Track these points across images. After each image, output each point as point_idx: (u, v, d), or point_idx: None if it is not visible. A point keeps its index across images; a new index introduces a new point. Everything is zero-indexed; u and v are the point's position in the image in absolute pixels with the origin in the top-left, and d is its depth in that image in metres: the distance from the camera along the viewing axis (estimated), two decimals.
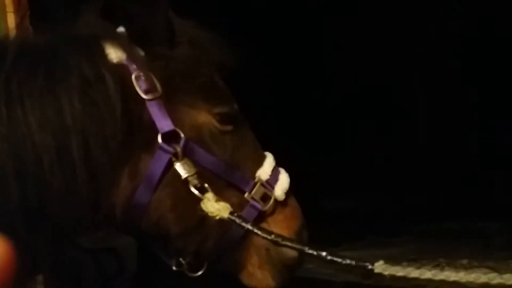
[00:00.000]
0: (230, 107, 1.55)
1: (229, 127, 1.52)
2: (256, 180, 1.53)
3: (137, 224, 1.46)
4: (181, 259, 1.52)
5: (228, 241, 1.49)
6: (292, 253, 1.50)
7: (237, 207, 1.47)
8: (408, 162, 6.02)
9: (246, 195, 1.51)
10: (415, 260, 3.53)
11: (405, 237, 4.63)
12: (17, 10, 2.13)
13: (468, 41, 5.83)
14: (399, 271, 1.25)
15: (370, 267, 1.29)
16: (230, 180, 1.50)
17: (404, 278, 1.25)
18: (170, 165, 1.42)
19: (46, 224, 1.33)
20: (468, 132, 5.91)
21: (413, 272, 1.23)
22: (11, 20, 2.13)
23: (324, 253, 1.35)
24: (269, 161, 1.57)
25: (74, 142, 1.33)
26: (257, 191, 1.52)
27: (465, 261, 3.69)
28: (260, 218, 1.52)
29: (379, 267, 1.28)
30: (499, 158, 5.46)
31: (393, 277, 1.25)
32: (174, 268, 1.53)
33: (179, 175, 1.42)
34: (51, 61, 1.39)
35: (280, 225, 1.54)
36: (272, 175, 1.55)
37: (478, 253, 3.85)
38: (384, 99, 6.17)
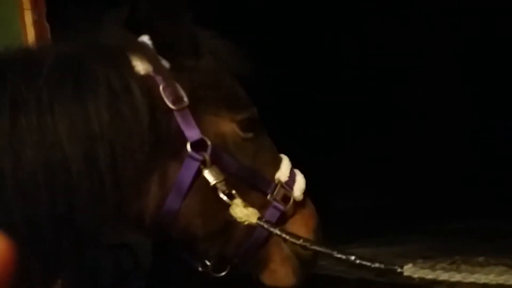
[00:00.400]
0: (251, 114, 1.61)
1: (250, 134, 1.59)
2: (276, 182, 1.60)
3: (166, 230, 1.52)
4: (206, 261, 1.58)
5: (252, 243, 1.55)
6: (312, 245, 1.53)
7: (260, 209, 1.52)
8: (421, 159, 6.00)
9: (268, 197, 1.57)
10: (430, 258, 3.51)
11: (419, 235, 4.61)
12: (34, 7, 2.16)
13: (468, 40, 5.79)
14: (428, 274, 1.27)
15: (399, 270, 1.33)
16: (253, 184, 1.57)
17: (433, 281, 1.26)
18: (199, 173, 1.47)
19: (72, 230, 1.38)
20: (480, 128, 5.86)
21: (443, 275, 1.25)
22: (28, 18, 2.16)
23: (353, 257, 1.38)
24: (286, 163, 1.65)
25: (101, 151, 1.37)
26: (278, 192, 1.59)
27: (481, 259, 3.66)
28: (281, 218, 1.58)
29: (408, 270, 1.31)
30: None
31: (422, 280, 1.27)
32: (200, 269, 1.58)
33: (207, 182, 1.48)
34: (79, 71, 1.43)
35: (299, 225, 1.62)
36: (290, 177, 1.62)
37: (494, 250, 3.82)
38: (392, 97, 6.15)
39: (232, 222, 1.50)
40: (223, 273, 1.56)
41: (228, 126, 1.57)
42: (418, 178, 5.78)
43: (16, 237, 1.28)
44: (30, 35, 2.11)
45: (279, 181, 1.62)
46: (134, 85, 1.44)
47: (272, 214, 1.56)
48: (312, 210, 1.68)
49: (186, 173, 1.47)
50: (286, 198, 1.61)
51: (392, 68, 5.99)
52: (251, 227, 1.50)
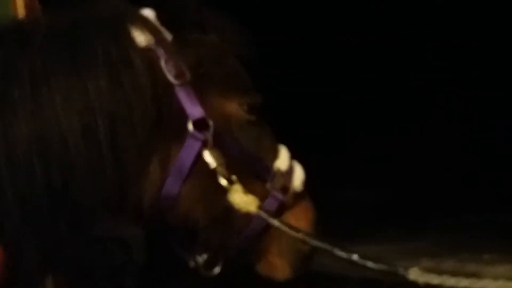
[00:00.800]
0: (257, 96, 1.53)
1: (254, 117, 1.50)
2: (275, 170, 1.51)
3: (165, 216, 1.44)
4: (197, 257, 1.51)
5: (250, 233, 1.47)
6: (310, 238, 1.49)
7: (259, 198, 1.44)
8: (427, 154, 5.97)
9: (267, 185, 1.48)
10: (436, 255, 3.46)
11: (425, 231, 4.56)
12: None
13: (468, 40, 5.74)
14: (434, 278, 1.20)
15: (403, 273, 1.26)
16: (254, 170, 1.49)
17: (440, 287, 1.19)
18: (199, 154, 1.39)
19: (69, 208, 1.31)
20: (484, 125, 5.84)
21: (449, 281, 1.18)
22: (20, 1, 2.10)
23: (355, 256, 1.31)
24: (285, 153, 1.55)
25: (100, 124, 1.30)
26: (277, 181, 1.50)
27: (487, 256, 3.61)
28: (280, 209, 1.50)
29: (414, 274, 1.24)
30: None
31: (427, 285, 1.20)
32: (191, 266, 1.51)
33: (207, 165, 1.39)
34: (75, 41, 1.36)
35: (298, 217, 1.53)
36: (289, 166, 1.53)
37: (500, 247, 3.77)
38: (395, 95, 6.13)
39: (231, 210, 1.43)
40: (215, 270, 1.49)
41: (233, 107, 1.48)
42: (424, 174, 5.74)
43: (10, 218, 1.26)
44: (21, 16, 2.06)
45: (279, 170, 1.52)
46: (134, 56, 1.36)
47: (270, 204, 1.48)
48: (310, 203, 1.59)
49: (187, 154, 1.39)
50: (285, 188, 1.51)
51: (392, 66, 5.98)
52: (250, 217, 1.43)
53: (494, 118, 5.75)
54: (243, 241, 1.49)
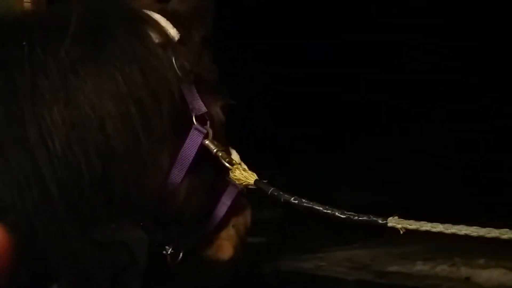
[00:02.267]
0: (229, 100, 1.66)
1: (225, 119, 1.65)
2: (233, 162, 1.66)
3: (165, 203, 1.52)
4: (165, 249, 1.62)
5: (214, 221, 1.62)
6: (249, 223, 1.72)
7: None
8: (423, 159, 5.99)
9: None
10: (431, 259, 3.49)
11: (419, 236, 4.58)
12: None
13: (468, 39, 5.77)
14: (411, 224, 1.37)
15: (382, 222, 1.41)
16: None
17: (416, 231, 1.35)
18: (202, 145, 1.51)
19: (104, 195, 1.33)
20: (482, 128, 5.85)
21: (425, 225, 1.35)
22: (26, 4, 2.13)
23: (337, 212, 1.48)
24: (233, 149, 1.72)
25: (134, 110, 1.34)
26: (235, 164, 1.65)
27: (481, 261, 3.64)
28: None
29: (392, 221, 1.39)
30: None
31: (406, 230, 1.36)
32: (160, 256, 1.63)
33: (209, 152, 1.52)
34: (100, 36, 1.39)
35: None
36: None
37: (495, 252, 3.80)
38: (395, 96, 6.14)
39: (213, 203, 1.58)
40: (177, 261, 1.61)
41: (216, 109, 1.62)
42: (419, 179, 5.76)
43: (54, 211, 1.26)
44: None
45: (235, 162, 1.66)
46: (158, 50, 1.44)
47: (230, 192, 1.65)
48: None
49: (191, 146, 1.50)
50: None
51: (393, 64, 5.99)
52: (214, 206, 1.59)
53: (492, 124, 5.77)
54: (208, 230, 1.63)
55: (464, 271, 3.69)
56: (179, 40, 1.53)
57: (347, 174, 5.69)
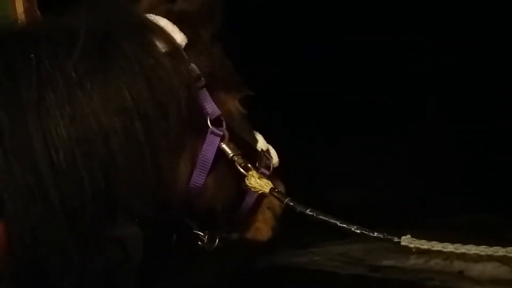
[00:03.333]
0: (247, 91, 1.69)
1: (245, 111, 1.69)
2: (260, 152, 1.73)
3: (191, 204, 1.57)
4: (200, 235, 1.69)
5: (248, 207, 1.69)
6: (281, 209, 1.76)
7: None
8: (418, 153, 6.00)
9: (257, 164, 1.69)
10: (424, 253, 3.50)
11: (414, 230, 4.60)
12: None
13: (468, 38, 5.79)
14: (424, 244, 1.43)
15: (396, 240, 1.48)
16: (250, 156, 1.66)
17: (428, 251, 1.41)
18: (219, 148, 1.55)
19: (107, 207, 1.35)
20: (477, 121, 5.87)
21: (436, 245, 1.40)
22: (19, 5, 2.13)
23: (354, 227, 1.51)
24: (259, 135, 1.78)
25: (139, 124, 1.35)
26: (262, 160, 1.72)
27: (475, 254, 3.65)
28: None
29: (405, 240, 1.46)
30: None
31: (418, 250, 1.42)
32: (199, 243, 1.70)
33: (226, 156, 1.56)
34: (106, 47, 1.39)
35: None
36: (266, 147, 1.77)
37: (488, 246, 3.81)
38: (392, 92, 6.15)
39: (243, 191, 1.63)
40: (215, 245, 1.68)
41: (233, 104, 1.65)
42: (412, 174, 5.78)
43: (55, 223, 1.27)
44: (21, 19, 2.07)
45: (262, 150, 1.74)
46: (164, 60, 1.44)
47: None
48: (281, 178, 1.83)
49: (209, 149, 1.53)
50: (267, 166, 1.74)
51: (393, 62, 5.99)
52: (244, 195, 1.64)
53: (489, 121, 5.78)
54: (240, 215, 1.70)
55: (457, 265, 3.71)
56: (187, 44, 1.54)
57: (344, 169, 5.70)
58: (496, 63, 5.56)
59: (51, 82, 1.31)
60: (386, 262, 3.72)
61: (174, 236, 1.68)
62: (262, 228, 1.77)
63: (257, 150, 1.72)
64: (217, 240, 1.68)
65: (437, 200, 5.22)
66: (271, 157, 1.77)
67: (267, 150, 1.77)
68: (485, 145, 5.69)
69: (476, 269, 3.72)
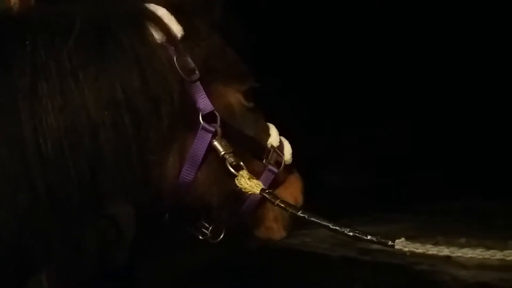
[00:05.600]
0: (253, 82, 1.65)
1: (252, 104, 1.64)
2: (269, 147, 1.68)
3: (181, 200, 1.55)
4: (203, 229, 1.66)
5: (251, 204, 1.64)
6: (300, 199, 1.72)
7: (258, 174, 1.61)
8: (410, 138, 6.04)
9: (264, 161, 1.65)
10: (413, 238, 3.54)
11: (406, 215, 4.65)
12: None
13: (468, 38, 5.78)
14: (418, 248, 1.34)
15: (390, 243, 1.39)
16: (253, 152, 1.64)
17: (423, 255, 1.33)
18: (210, 144, 1.51)
19: (93, 197, 1.35)
20: (472, 110, 5.89)
21: (432, 249, 1.33)
22: None
23: (347, 230, 1.46)
24: (274, 130, 1.73)
25: (129, 117, 1.35)
26: (271, 157, 1.67)
27: (463, 240, 3.71)
28: (275, 181, 1.67)
29: (399, 244, 1.38)
30: (502, 137, 5.45)
31: (412, 254, 1.35)
32: (200, 237, 1.67)
33: (217, 153, 1.52)
34: (101, 37, 1.38)
35: (289, 187, 1.73)
36: (280, 142, 1.71)
37: (477, 232, 3.87)
38: (391, 80, 6.16)
39: (238, 190, 1.58)
40: (219, 238, 1.65)
41: (234, 96, 1.60)
42: (405, 160, 5.82)
43: (41, 209, 1.28)
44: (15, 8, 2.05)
45: (272, 146, 1.68)
46: (158, 52, 1.43)
47: (266, 177, 1.65)
48: (298, 174, 1.78)
49: (200, 145, 1.50)
50: (278, 162, 1.69)
51: (393, 59, 6.00)
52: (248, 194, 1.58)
53: (476, 108, 5.81)
54: (245, 212, 1.65)
55: (465, 249, 3.74)
56: (183, 35, 1.51)
57: (332, 155, 5.73)
58: (496, 63, 5.57)
59: (44, 71, 1.31)
60: (375, 246, 3.74)
61: (167, 215, 1.67)
62: (273, 227, 1.71)
63: (264, 146, 1.67)
64: (221, 234, 1.65)
65: (428, 186, 5.27)
66: (283, 154, 1.71)
67: (279, 146, 1.71)
68: (477, 133, 5.73)
69: (486, 253, 3.77)
